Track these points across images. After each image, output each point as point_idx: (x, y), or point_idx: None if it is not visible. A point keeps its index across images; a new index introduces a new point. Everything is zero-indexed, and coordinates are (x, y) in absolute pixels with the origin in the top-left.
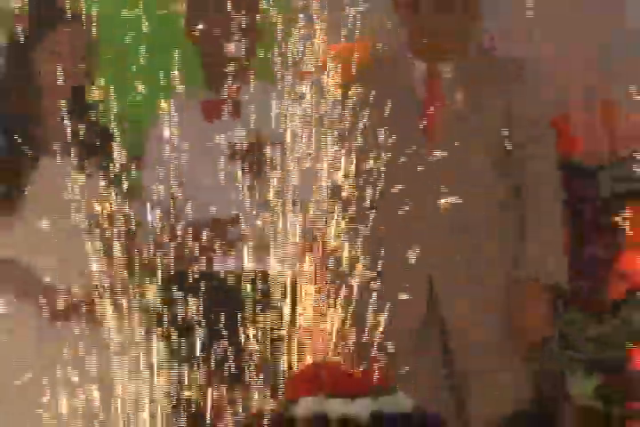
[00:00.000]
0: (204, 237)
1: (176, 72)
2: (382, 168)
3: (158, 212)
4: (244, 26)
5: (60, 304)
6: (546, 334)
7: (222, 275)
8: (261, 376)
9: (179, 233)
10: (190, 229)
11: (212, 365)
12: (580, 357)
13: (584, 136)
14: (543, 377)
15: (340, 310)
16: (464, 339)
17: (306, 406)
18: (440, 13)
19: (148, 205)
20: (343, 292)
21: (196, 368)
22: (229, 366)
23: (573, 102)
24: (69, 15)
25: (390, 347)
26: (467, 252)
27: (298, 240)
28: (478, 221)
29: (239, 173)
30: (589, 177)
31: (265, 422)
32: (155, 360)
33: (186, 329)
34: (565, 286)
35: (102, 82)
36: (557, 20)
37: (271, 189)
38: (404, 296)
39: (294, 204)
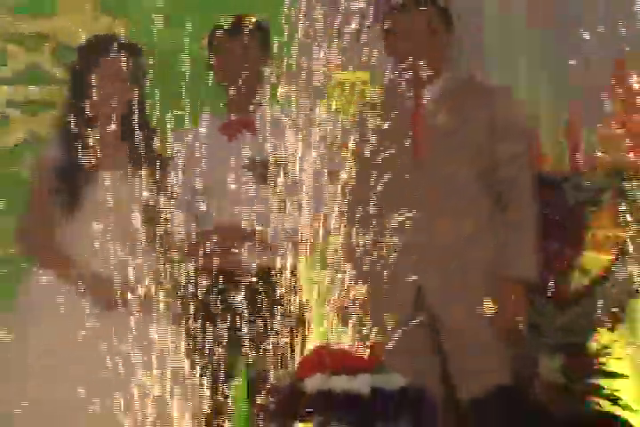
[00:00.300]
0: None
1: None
2: (378, 181)
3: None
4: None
5: (114, 296)
6: (519, 322)
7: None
8: (278, 358)
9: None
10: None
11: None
12: (548, 341)
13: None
14: (517, 358)
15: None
16: (450, 328)
17: (314, 382)
18: (416, 40)
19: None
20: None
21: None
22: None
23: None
24: (121, 44)
25: (384, 333)
26: (453, 254)
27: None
28: (464, 227)
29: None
30: (557, 187)
31: (281, 397)
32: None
33: (220, 315)
34: (536, 282)
35: (150, 105)
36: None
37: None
38: (412, 277)
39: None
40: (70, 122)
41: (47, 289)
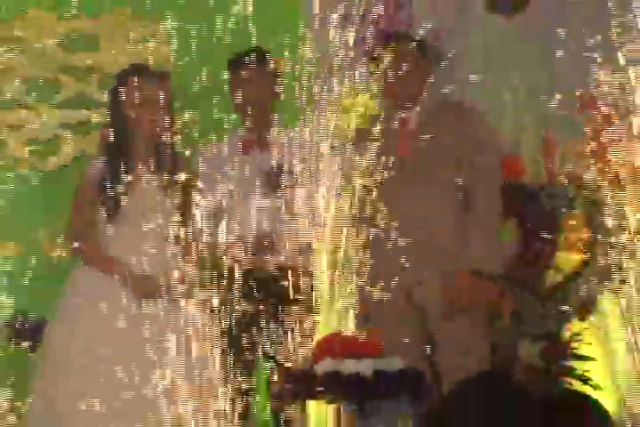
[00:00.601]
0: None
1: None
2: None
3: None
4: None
5: (150, 287)
6: (496, 310)
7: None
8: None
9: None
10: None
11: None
12: (529, 329)
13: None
14: (500, 344)
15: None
16: (438, 319)
17: (325, 366)
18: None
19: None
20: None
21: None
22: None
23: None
24: (153, 72)
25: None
26: (432, 250)
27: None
28: (441, 229)
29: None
30: (534, 196)
31: (296, 378)
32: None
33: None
34: (498, 273)
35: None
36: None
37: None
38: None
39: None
40: (111, 140)
41: (91, 282)
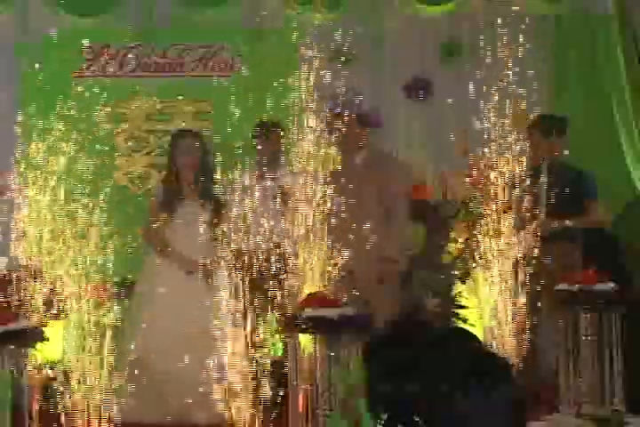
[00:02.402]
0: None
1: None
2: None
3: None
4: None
5: (192, 267)
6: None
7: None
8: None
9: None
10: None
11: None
12: (432, 288)
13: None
14: (412, 299)
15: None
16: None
17: (308, 311)
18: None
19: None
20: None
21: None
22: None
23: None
24: (194, 133)
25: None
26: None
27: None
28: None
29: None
30: (435, 208)
31: (291, 320)
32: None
33: None
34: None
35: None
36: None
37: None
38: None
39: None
40: (169, 173)
41: (158, 265)
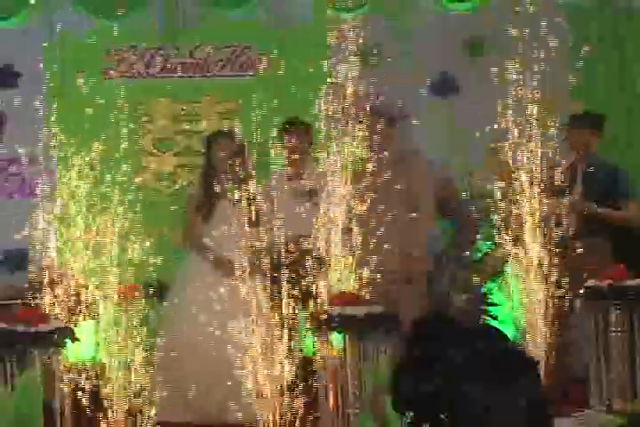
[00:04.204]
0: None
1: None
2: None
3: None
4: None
5: (229, 268)
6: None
7: None
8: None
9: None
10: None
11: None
12: (460, 286)
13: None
14: (441, 296)
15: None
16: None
17: (336, 310)
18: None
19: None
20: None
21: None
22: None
23: None
24: (228, 133)
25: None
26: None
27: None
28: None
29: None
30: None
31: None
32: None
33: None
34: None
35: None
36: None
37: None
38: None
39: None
40: (206, 173)
41: (196, 263)
